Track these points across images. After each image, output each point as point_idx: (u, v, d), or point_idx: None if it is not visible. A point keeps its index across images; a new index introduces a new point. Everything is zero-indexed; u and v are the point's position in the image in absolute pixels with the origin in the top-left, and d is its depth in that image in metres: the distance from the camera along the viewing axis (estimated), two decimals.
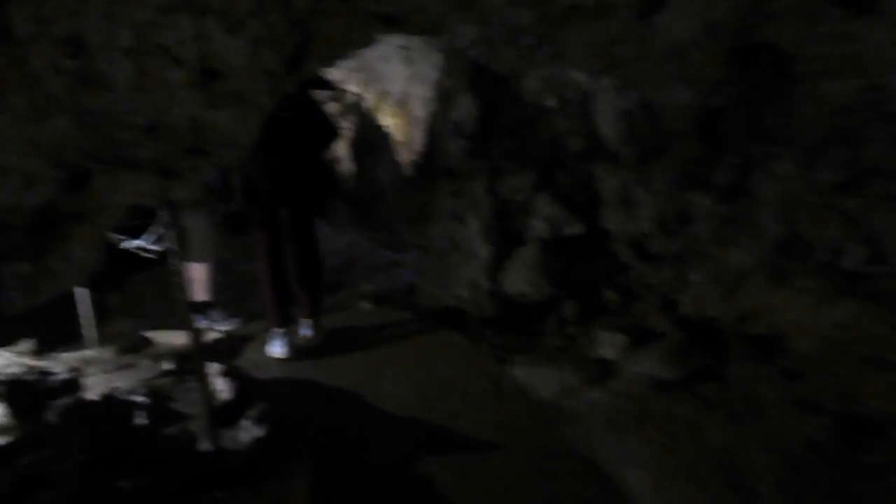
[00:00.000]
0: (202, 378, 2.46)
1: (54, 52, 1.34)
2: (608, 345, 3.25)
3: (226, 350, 3.95)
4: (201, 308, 4.81)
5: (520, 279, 4.58)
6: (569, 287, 4.35)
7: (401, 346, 3.81)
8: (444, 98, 4.86)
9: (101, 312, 6.34)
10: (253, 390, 3.09)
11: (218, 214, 4.73)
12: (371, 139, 14.69)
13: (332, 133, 4.24)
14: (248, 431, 2.52)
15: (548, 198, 4.67)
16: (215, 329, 4.73)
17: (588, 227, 4.51)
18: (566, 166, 4.47)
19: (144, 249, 3.45)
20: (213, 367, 3.33)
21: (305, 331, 3.93)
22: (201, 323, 4.72)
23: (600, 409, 2.87)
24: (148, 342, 4.33)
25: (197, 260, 4.76)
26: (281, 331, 3.87)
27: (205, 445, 2.35)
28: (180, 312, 2.48)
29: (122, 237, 3.70)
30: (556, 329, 3.90)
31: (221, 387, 2.97)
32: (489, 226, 4.83)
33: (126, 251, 3.61)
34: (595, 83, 3.87)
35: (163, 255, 3.03)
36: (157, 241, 3.26)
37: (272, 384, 3.40)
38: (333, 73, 13.98)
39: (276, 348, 3.83)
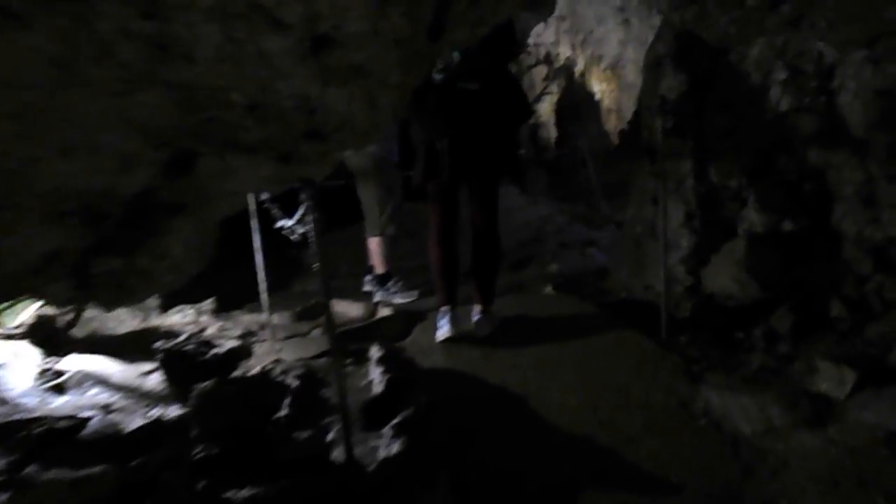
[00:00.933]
0: (340, 380, 2.24)
1: (123, 11, 1.10)
2: (831, 379, 2.62)
3: (394, 329, 3.78)
4: (380, 280, 4.71)
5: (725, 277, 3.97)
6: (784, 293, 3.68)
7: (579, 345, 3.41)
8: (653, 66, 4.28)
9: (293, 270, 6.54)
10: (408, 384, 2.85)
11: (394, 185, 4.58)
12: (578, 105, 14.08)
13: (524, 112, 3.87)
14: (392, 440, 2.28)
15: (767, 186, 3.97)
16: (392, 301, 4.63)
17: (814, 225, 3.77)
18: (793, 150, 3.75)
19: (291, 230, 3.32)
20: (374, 351, 3.16)
21: (476, 316, 3.64)
22: (378, 295, 4.62)
23: (813, 461, 2.30)
24: (324, 309, 4.30)
25: (372, 233, 4.65)
26: (446, 309, 3.63)
27: (338, 455, 2.15)
28: (323, 286, 2.25)
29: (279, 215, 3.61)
30: (765, 345, 3.29)
31: (375, 376, 2.77)
32: (693, 213, 4.22)
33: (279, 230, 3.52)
34: (843, 55, 3.14)
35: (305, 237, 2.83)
36: (302, 221, 3.07)
37: (432, 376, 3.16)
38: (544, 34, 13.49)
39: (441, 329, 3.60)
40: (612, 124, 16.00)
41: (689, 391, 2.86)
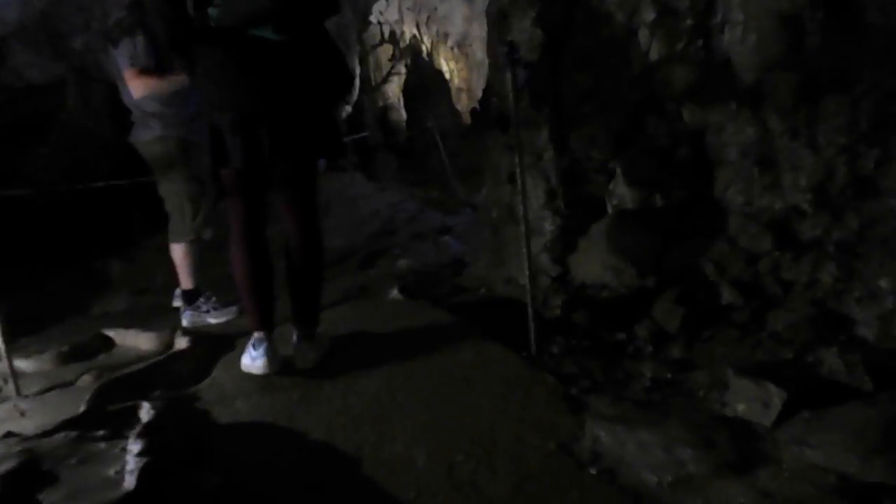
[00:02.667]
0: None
1: None
2: (748, 399, 1.98)
3: (190, 366, 2.83)
4: (187, 297, 3.73)
5: (596, 263, 3.32)
6: (666, 279, 3.07)
7: (430, 372, 2.62)
8: (498, 19, 3.54)
9: (99, 284, 5.38)
10: (184, 463, 1.95)
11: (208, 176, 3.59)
12: (427, 85, 13.35)
13: (346, 79, 2.93)
14: None
15: (636, 154, 3.35)
16: (206, 322, 3.67)
17: (693, 197, 3.19)
18: (664, 110, 3.13)
19: None
20: (143, 412, 2.22)
21: (297, 342, 2.77)
22: (187, 316, 3.66)
23: None
24: (106, 344, 3.28)
25: (176, 238, 3.66)
26: (260, 336, 2.73)
27: None
28: None
29: None
30: (653, 348, 2.64)
31: (129, 462, 1.84)
32: (555, 191, 3.55)
33: None
34: None
35: None
36: None
37: (230, 436, 2.27)
38: (387, 11, 12.64)
39: (253, 360, 2.71)
40: (464, 103, 15.46)
41: (571, 427, 2.14)
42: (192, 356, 2.90)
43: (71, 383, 2.82)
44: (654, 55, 2.83)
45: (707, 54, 2.69)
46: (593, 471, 1.93)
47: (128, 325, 3.45)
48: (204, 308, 3.71)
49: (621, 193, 3.37)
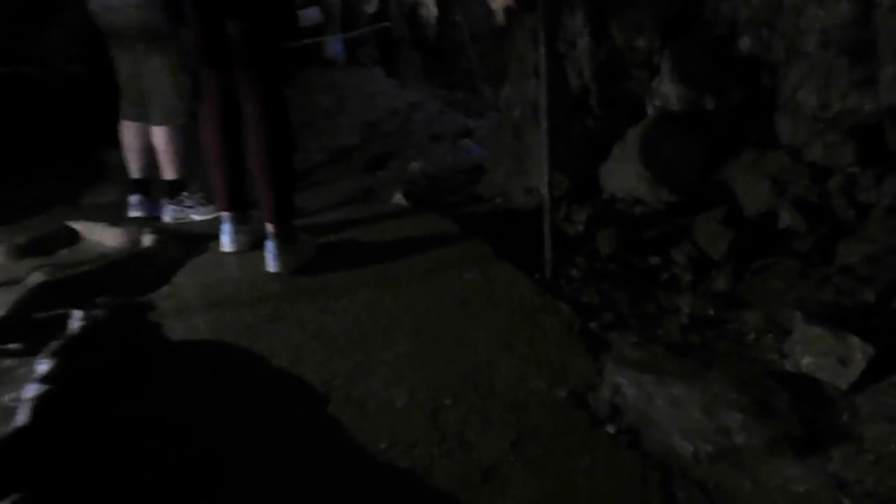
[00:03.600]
0: None
1: None
2: (821, 352, 1.52)
3: (153, 267, 2.44)
4: (171, 189, 3.33)
5: (631, 174, 2.83)
6: (712, 195, 2.58)
7: (424, 290, 2.20)
8: None
9: (94, 173, 5.02)
10: (119, 383, 1.57)
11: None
12: None
13: None
14: None
15: (688, 45, 2.79)
16: (189, 219, 3.28)
17: (752, 99, 2.65)
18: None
19: None
20: (75, 320, 1.84)
21: (267, 242, 2.37)
22: (168, 212, 3.26)
23: None
24: (71, 238, 2.90)
25: (167, 120, 3.21)
26: (227, 216, 2.56)
27: None
28: None
29: None
30: (693, 277, 2.18)
31: (27, 390, 1.45)
32: (588, 87, 3.01)
33: None
34: None
35: None
36: None
37: (178, 356, 1.89)
38: None
39: (223, 238, 2.57)
40: (499, 2, 14.47)
41: (588, 371, 1.71)
42: (157, 257, 2.50)
43: (18, 281, 2.45)
44: None
45: None
46: (611, 430, 1.52)
47: (98, 217, 3.05)
48: (188, 203, 3.30)
49: (666, 93, 2.83)
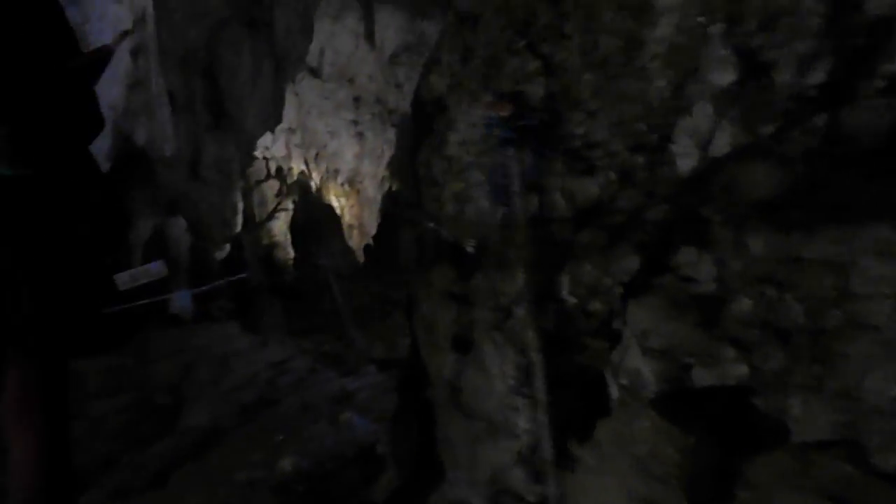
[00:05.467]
0: None
1: None
2: None
3: None
4: None
5: (617, 491, 1.93)
6: None
7: None
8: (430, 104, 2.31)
9: None
10: None
11: None
12: (318, 221, 12.06)
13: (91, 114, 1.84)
14: None
15: (657, 307, 2.08)
16: None
17: (758, 375, 1.92)
18: (711, 237, 1.92)
19: None
20: None
21: None
22: None
23: None
24: None
25: None
26: None
27: None
28: None
29: None
30: None
31: None
32: (533, 364, 2.19)
33: None
34: None
35: None
36: None
37: None
38: (273, 147, 11.47)
39: None
40: (356, 240, 14.25)
41: None
42: None
43: None
44: (719, 145, 1.62)
45: (829, 136, 1.51)
46: None
47: None
48: None
49: (635, 368, 2.05)
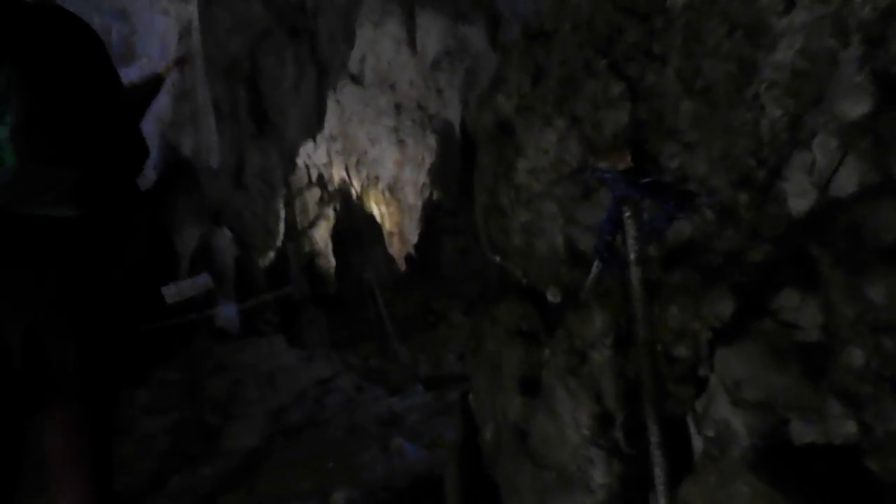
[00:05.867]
0: None
1: None
2: None
3: None
4: None
5: None
6: None
7: None
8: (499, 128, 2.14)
9: None
10: None
11: None
12: (359, 230, 11.99)
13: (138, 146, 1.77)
14: None
15: (751, 353, 1.88)
16: None
17: (867, 432, 1.71)
18: (819, 279, 1.72)
19: None
20: None
21: None
22: None
23: None
24: None
25: None
26: None
27: None
28: None
29: None
30: None
31: None
32: (612, 414, 2.01)
33: None
34: None
35: None
36: None
37: None
38: (315, 155, 11.43)
39: None
40: (397, 249, 14.14)
41: None
42: None
43: None
44: (843, 184, 1.43)
45: None
46: None
47: None
48: None
49: (723, 419, 1.85)
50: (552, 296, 1.86)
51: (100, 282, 1.67)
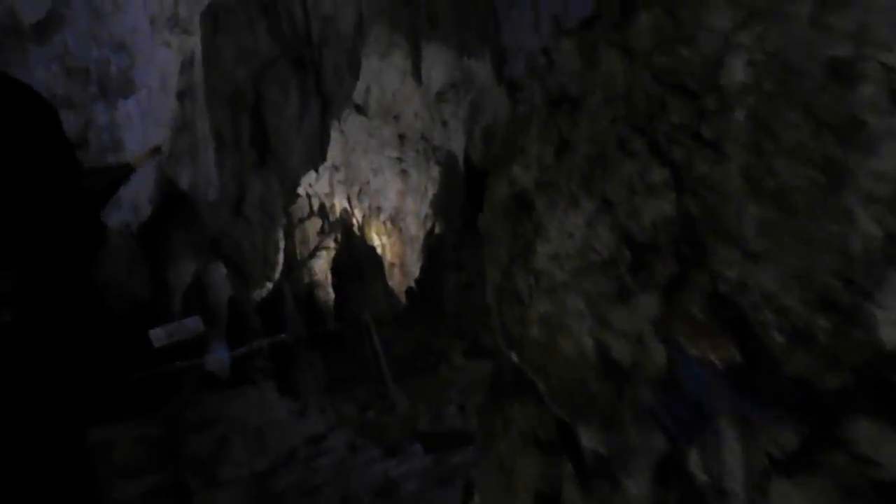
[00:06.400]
0: None
1: None
2: None
3: None
4: None
5: None
6: None
7: None
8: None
9: None
10: None
11: None
12: (357, 260, 11.67)
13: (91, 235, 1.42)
14: None
15: (820, 487, 1.57)
16: None
17: None
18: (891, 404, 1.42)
19: None
20: None
21: None
22: None
23: None
24: None
25: None
26: None
27: None
28: None
29: None
30: None
31: None
32: None
33: None
34: None
35: None
36: None
37: None
38: (317, 184, 11.16)
39: None
40: (398, 281, 13.80)
41: None
42: None
43: None
44: None
45: None
46: None
47: None
48: None
49: None
50: (588, 441, 1.56)
51: (42, 389, 1.39)
